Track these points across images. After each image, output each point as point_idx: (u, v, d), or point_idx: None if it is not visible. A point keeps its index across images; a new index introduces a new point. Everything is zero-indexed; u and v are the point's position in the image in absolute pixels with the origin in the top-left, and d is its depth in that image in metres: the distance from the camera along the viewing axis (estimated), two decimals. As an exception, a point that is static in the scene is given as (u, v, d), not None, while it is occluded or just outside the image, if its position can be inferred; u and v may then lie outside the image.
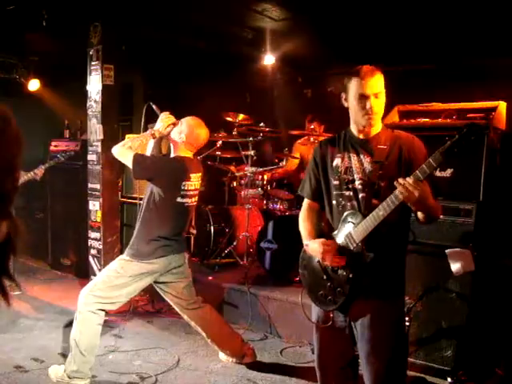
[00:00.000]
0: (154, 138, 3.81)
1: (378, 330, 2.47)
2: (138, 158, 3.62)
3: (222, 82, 7.18)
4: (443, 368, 3.64)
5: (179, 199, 3.70)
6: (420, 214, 2.41)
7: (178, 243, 3.82)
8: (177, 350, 4.35)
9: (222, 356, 4.14)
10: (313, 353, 2.79)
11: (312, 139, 6.09)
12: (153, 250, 3.69)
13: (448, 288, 3.63)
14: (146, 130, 3.97)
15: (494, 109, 3.90)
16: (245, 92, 8.08)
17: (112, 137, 5.38)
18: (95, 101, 5.47)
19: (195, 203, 3.89)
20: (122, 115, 6.44)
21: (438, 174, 3.64)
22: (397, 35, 5.85)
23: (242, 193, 6.01)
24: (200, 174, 3.87)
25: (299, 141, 6.53)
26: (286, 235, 5.22)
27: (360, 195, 2.49)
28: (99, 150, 5.42)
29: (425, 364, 3.73)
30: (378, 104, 2.50)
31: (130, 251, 3.73)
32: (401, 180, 2.22)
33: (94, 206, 5.56)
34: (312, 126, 6.18)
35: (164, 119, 3.76)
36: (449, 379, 3.59)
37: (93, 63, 5.46)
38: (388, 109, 4.27)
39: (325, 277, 2.55)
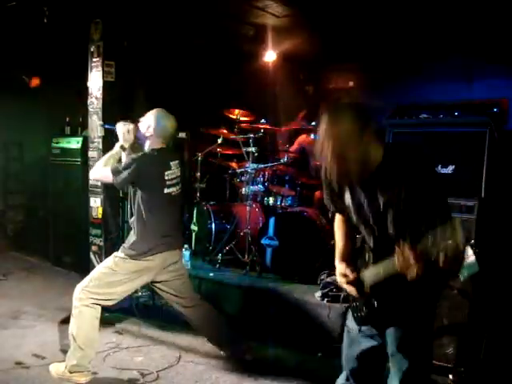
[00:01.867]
0: (124, 150, 3.81)
1: (406, 341, 2.40)
2: (115, 170, 3.64)
3: (224, 79, 7.17)
4: (445, 365, 3.64)
5: (166, 190, 3.70)
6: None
7: (173, 239, 3.81)
8: (178, 347, 4.35)
9: (223, 352, 4.14)
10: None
11: (313, 135, 6.08)
12: (148, 247, 3.67)
13: (449, 285, 3.62)
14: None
15: (496, 105, 3.89)
16: (245, 88, 8.06)
17: (113, 133, 5.36)
18: (96, 97, 5.47)
19: (180, 191, 3.86)
20: (123, 112, 6.42)
21: (439, 170, 3.64)
22: (397, 33, 5.84)
23: (243, 189, 6.00)
24: (177, 160, 3.84)
25: (301, 137, 6.52)
26: (287, 232, 5.21)
27: (372, 235, 2.39)
28: (100, 146, 5.42)
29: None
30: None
31: (124, 249, 3.72)
32: (397, 249, 2.09)
33: (95, 202, 5.56)
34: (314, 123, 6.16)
35: (120, 128, 3.79)
36: (450, 376, 3.59)
37: (94, 59, 5.46)
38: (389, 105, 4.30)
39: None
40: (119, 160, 3.84)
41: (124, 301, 3.98)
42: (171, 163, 3.74)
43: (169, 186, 3.72)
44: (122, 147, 3.80)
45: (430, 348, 2.52)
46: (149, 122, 3.74)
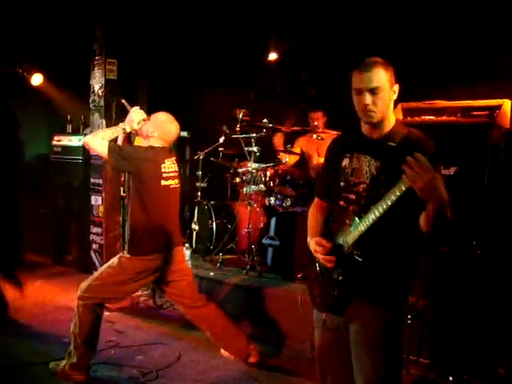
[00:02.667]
0: (124, 133, 3.80)
1: (369, 335, 2.35)
2: (115, 148, 3.59)
3: (226, 78, 7.16)
4: (446, 367, 3.63)
5: (163, 182, 3.70)
6: (427, 215, 2.12)
7: (174, 236, 3.82)
8: (178, 346, 4.35)
9: (224, 352, 4.14)
10: (313, 350, 2.75)
11: (315, 136, 6.06)
12: (152, 245, 3.67)
13: (451, 287, 3.62)
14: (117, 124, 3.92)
15: (499, 107, 3.88)
16: (248, 88, 8.05)
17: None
18: (98, 95, 5.47)
19: (179, 186, 3.87)
20: (125, 110, 6.42)
21: (441, 171, 3.63)
22: (401, 32, 5.83)
23: (245, 189, 5.98)
24: (174, 157, 3.85)
25: (302, 137, 6.51)
26: (288, 232, 5.20)
27: (361, 200, 2.38)
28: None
29: (427, 363, 3.72)
30: (375, 100, 2.28)
31: (129, 248, 3.71)
32: (410, 158, 1.97)
33: (97, 200, 5.56)
34: (316, 123, 6.14)
35: (136, 114, 3.75)
36: (451, 378, 3.58)
37: (96, 58, 5.47)
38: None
39: (320, 277, 2.51)
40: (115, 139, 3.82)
41: (124, 300, 3.98)
42: (166, 160, 3.76)
43: (166, 179, 3.73)
44: (125, 130, 3.76)
45: (400, 335, 2.47)
46: (155, 124, 3.74)
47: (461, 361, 3.58)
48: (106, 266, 3.78)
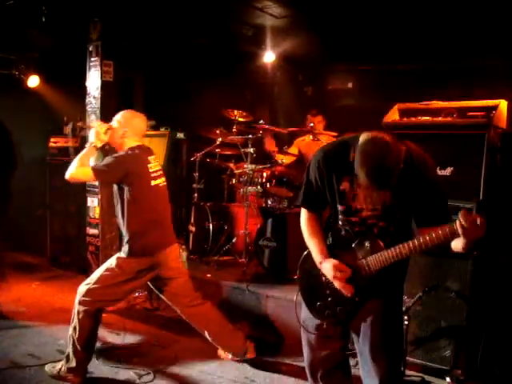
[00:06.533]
0: (97, 150, 3.77)
1: (381, 328, 2.45)
2: (99, 168, 3.59)
3: (222, 79, 7.16)
4: (442, 367, 3.63)
5: (153, 182, 3.74)
6: (465, 244, 2.14)
7: (169, 234, 3.86)
8: (174, 347, 4.34)
9: (221, 353, 4.13)
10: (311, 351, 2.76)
11: (311, 137, 6.07)
12: (149, 245, 3.68)
13: (447, 287, 3.62)
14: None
15: (495, 107, 3.88)
16: (245, 89, 8.06)
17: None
18: (94, 97, 5.46)
19: (165, 183, 3.90)
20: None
21: (438, 172, 3.62)
22: (397, 33, 5.83)
23: (241, 190, 5.98)
24: (154, 155, 3.89)
25: (299, 138, 6.51)
26: (284, 233, 5.20)
27: (368, 224, 2.42)
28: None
29: (423, 363, 3.72)
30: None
31: (126, 249, 3.70)
32: (466, 218, 2.03)
33: (93, 202, 5.55)
34: (312, 124, 6.14)
35: (99, 127, 3.74)
36: (447, 379, 3.58)
37: (92, 59, 5.46)
38: (388, 107, 4.29)
39: (327, 291, 2.52)
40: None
41: (123, 300, 3.97)
42: (150, 158, 3.79)
43: (155, 178, 3.75)
44: (96, 147, 3.73)
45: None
46: (123, 124, 3.74)
47: (457, 361, 3.58)
48: (103, 268, 3.76)
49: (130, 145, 3.75)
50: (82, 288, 3.66)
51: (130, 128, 3.74)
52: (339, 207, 2.47)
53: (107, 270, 3.70)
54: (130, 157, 3.68)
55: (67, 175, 3.60)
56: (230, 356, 4.08)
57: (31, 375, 3.75)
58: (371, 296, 2.44)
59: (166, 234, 3.82)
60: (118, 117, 3.79)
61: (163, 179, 3.86)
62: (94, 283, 3.65)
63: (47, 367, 3.75)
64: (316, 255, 2.54)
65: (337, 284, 2.42)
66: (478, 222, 2.02)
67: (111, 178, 3.68)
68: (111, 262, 3.74)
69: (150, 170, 3.73)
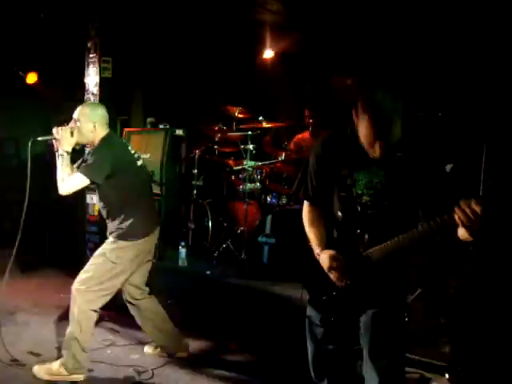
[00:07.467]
0: (69, 154, 3.65)
1: (383, 326, 2.44)
2: (86, 171, 3.53)
3: (222, 76, 7.14)
4: (441, 364, 3.63)
5: (138, 162, 3.77)
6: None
7: (155, 215, 3.96)
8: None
9: (147, 349, 4.15)
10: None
11: (310, 133, 6.07)
12: (142, 227, 3.67)
13: (447, 284, 3.62)
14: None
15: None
16: (243, 86, 8.04)
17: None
18: (93, 93, 5.44)
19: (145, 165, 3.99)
20: (120, 108, 6.41)
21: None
22: (395, 32, 5.83)
23: (241, 187, 5.99)
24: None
25: (298, 135, 6.51)
26: (283, 230, 5.20)
27: (369, 211, 2.40)
28: (97, 143, 5.39)
29: (423, 360, 3.72)
30: None
31: (121, 236, 3.64)
32: (465, 208, 2.01)
33: (92, 199, 5.54)
34: (311, 120, 6.14)
35: (62, 131, 3.62)
36: (447, 375, 3.58)
37: (91, 55, 5.43)
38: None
39: (332, 285, 2.50)
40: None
41: (119, 299, 3.96)
42: (124, 141, 3.87)
43: (138, 159, 3.79)
44: (68, 152, 3.63)
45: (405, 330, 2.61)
46: (88, 118, 3.65)
47: (456, 357, 3.58)
48: (98, 262, 3.66)
49: (102, 135, 3.70)
50: (80, 285, 3.61)
51: (95, 118, 3.67)
52: (340, 193, 2.47)
53: (103, 264, 3.63)
54: (112, 144, 3.69)
55: (61, 191, 3.55)
56: (157, 351, 4.11)
57: (30, 373, 3.72)
58: (373, 293, 2.43)
59: (155, 213, 3.95)
60: (80, 113, 3.69)
61: (142, 159, 3.88)
62: (92, 279, 3.59)
63: (46, 365, 3.69)
64: (314, 247, 2.56)
65: (331, 275, 2.43)
66: (478, 209, 2.00)
67: (105, 170, 3.57)
68: (106, 254, 3.65)
69: (132, 152, 3.77)
